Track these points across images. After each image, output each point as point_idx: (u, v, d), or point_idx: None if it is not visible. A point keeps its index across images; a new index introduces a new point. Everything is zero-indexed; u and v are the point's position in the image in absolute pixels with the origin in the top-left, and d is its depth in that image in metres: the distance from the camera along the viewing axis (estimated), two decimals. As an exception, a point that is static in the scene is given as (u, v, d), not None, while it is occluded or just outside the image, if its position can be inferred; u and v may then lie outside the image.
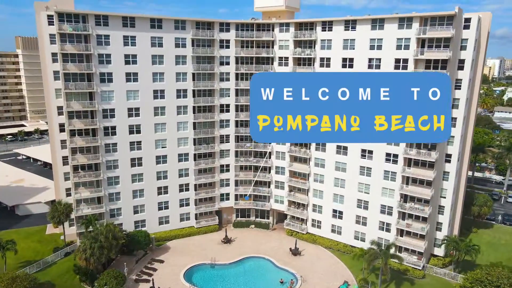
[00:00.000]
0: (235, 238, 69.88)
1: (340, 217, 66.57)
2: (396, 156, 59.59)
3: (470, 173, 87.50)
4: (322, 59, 64.30)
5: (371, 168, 62.11)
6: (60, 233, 67.13)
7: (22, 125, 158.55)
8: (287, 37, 67.19)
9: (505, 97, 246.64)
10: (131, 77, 63.02)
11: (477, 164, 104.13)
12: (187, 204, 71.54)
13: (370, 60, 59.54)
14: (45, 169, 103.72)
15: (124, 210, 66.73)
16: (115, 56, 61.31)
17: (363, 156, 62.61)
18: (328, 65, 63.77)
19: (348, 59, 61.56)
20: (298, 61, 67.61)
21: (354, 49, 60.76)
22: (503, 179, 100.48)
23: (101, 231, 55.62)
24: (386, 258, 52.06)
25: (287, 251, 64.96)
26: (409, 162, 59.31)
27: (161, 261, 62.04)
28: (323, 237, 68.42)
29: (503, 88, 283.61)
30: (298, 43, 67.02)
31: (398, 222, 60.66)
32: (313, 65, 65.37)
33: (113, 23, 60.27)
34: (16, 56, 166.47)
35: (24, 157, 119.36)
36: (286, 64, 68.23)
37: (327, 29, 63.19)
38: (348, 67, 61.57)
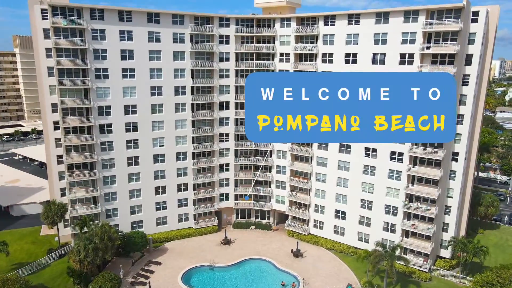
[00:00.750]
0: (235, 239, 68.01)
1: (343, 218, 64.66)
2: (401, 154, 57.68)
3: (475, 173, 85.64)
4: (324, 54, 62.43)
5: (375, 167, 60.20)
6: (55, 234, 65.19)
7: (20, 125, 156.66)
8: (288, 32, 65.33)
9: (506, 98, 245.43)
10: (127, 73, 61.15)
11: (481, 164, 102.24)
12: (186, 205, 69.65)
13: (374, 55, 57.65)
14: (41, 169, 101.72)
15: (120, 211, 64.82)
16: (111, 51, 59.45)
17: (367, 154, 60.70)
18: (330, 61, 61.88)
19: (351, 55, 59.68)
20: (300, 57, 65.71)
21: (357, 44, 58.89)
22: (508, 179, 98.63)
23: (96, 232, 53.75)
24: (392, 260, 50.12)
25: (289, 253, 63.09)
26: (414, 160, 57.41)
27: (159, 263, 60.14)
28: (326, 238, 66.50)
29: (504, 88, 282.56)
30: (299, 39, 65.15)
31: (403, 223, 58.71)
32: (315, 61, 63.44)
33: (109, 17, 58.39)
34: (14, 55, 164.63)
35: (20, 157, 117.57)
36: (287, 60, 66.32)
37: (329, 23, 61.32)
38: (352, 63, 59.68)
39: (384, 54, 56.76)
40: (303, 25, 64.30)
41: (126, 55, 60.57)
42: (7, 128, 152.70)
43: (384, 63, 56.80)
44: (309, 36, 63.83)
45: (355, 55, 59.38)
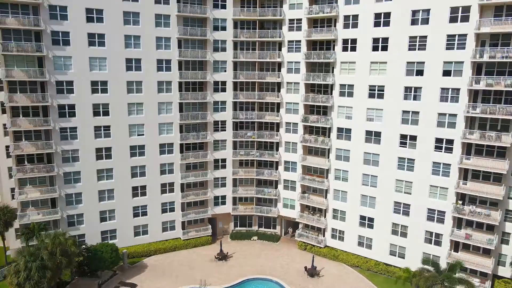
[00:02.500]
0: (233, 253, 55.66)
1: (370, 226, 51.70)
2: (450, 142, 44.62)
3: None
4: (347, 17, 49.62)
5: (413, 160, 47.19)
6: (7, 248, 51.76)
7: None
8: (300, -8, 52.79)
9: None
10: (95, 39, 48.37)
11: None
12: (172, 210, 56.97)
13: (414, 12, 44.81)
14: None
15: (87, 217, 51.65)
16: (73, 9, 46.63)
17: (402, 143, 47.71)
18: (355, 25, 49.10)
19: (383, 15, 46.95)
20: (315, 24, 53.04)
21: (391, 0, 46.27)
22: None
23: (46, 245, 40.42)
24: (452, 284, 36.46)
25: (301, 271, 50.69)
26: (468, 149, 44.32)
27: (133, 285, 47.09)
28: (348, 252, 53.55)
29: None
30: (314, 0, 52.61)
31: (452, 232, 45.47)
32: (335, 27, 50.68)
33: (70, -35, 45.69)
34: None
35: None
36: (299, 28, 53.66)
37: (354, -24, 48.64)
38: (383, 25, 46.94)
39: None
40: (318, -17, 51.69)
41: (94, 15, 47.75)
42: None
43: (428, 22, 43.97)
44: (327, -5, 51.24)
45: (387, 14, 46.64)
